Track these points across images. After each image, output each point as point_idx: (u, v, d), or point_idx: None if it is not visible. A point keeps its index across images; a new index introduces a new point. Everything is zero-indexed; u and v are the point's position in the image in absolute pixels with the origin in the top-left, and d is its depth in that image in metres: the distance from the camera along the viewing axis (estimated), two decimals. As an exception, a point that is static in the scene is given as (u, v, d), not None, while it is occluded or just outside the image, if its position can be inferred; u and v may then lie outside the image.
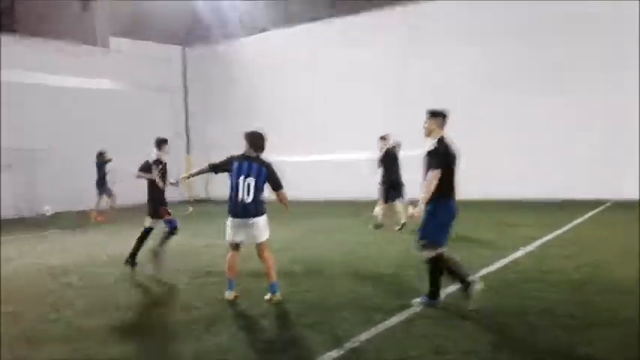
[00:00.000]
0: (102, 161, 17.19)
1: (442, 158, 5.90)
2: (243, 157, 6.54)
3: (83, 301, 6.97)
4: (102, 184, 17.18)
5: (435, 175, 5.82)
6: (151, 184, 9.11)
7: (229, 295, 6.64)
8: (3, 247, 12.11)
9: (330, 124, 21.42)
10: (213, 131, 24.36)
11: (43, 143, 19.89)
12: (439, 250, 6.01)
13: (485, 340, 5.04)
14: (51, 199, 19.80)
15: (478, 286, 5.96)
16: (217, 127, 24.17)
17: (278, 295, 6.54)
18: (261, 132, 6.68)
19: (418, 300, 6.15)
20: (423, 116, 6.14)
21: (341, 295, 6.83)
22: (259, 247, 6.61)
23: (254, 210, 6.42)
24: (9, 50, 19.93)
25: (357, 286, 7.29)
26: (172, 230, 8.85)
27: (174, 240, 9.21)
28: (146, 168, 9.18)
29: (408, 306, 6.08)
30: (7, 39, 20.23)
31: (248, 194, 6.37)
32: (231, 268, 6.69)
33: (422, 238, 6.04)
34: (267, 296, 6.55)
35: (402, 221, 12.02)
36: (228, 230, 6.58)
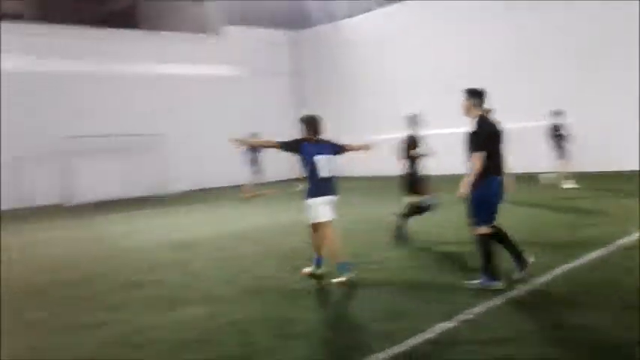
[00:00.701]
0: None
1: (484, 139, 5.87)
2: (312, 140, 6.72)
3: (217, 271, 7.62)
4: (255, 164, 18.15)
5: (478, 157, 5.79)
6: (412, 160, 8.81)
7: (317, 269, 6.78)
8: (144, 220, 13.36)
9: (437, 101, 21.06)
10: (325, 112, 24.75)
11: (165, 128, 21.34)
12: (485, 229, 5.94)
13: (605, 316, 4.96)
14: (179, 179, 21.33)
15: (531, 260, 6.13)
16: (329, 108, 24.62)
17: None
18: (316, 116, 6.86)
19: (475, 282, 5.99)
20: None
21: (452, 269, 6.93)
22: (330, 225, 6.72)
23: (335, 188, 6.70)
24: (133, 45, 21.58)
25: (464, 261, 7.32)
26: (428, 207, 8.83)
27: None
28: (411, 144, 8.75)
29: (521, 281, 6.07)
30: (130, 34, 21.88)
31: (329, 173, 6.63)
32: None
33: (470, 216, 6.04)
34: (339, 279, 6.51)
35: None
36: (319, 210, 6.63)
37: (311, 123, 6.83)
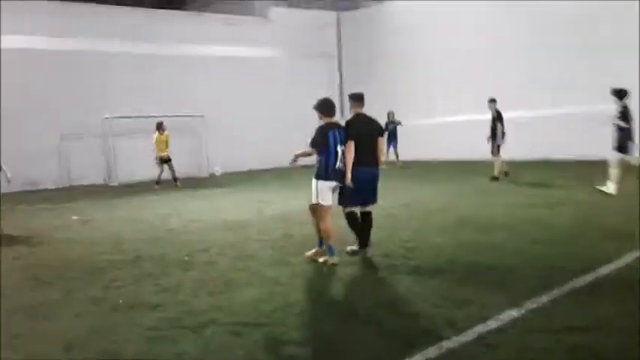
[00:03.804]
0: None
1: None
2: (331, 126, 6.68)
3: (264, 253, 7.55)
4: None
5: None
6: None
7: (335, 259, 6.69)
8: (190, 201, 13.41)
9: (476, 85, 20.56)
10: (366, 94, 24.52)
11: (207, 110, 21.37)
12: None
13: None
14: (220, 161, 21.40)
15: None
16: (370, 89, 24.32)
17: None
18: (328, 98, 6.94)
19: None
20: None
21: (514, 255, 6.71)
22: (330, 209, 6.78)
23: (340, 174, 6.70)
24: (176, 25, 21.60)
25: (528, 247, 7.10)
26: None
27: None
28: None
29: (590, 268, 5.84)
30: (176, 15, 21.89)
31: (338, 160, 6.64)
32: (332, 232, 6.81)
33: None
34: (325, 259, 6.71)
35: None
36: (329, 194, 6.73)
37: (325, 107, 6.82)
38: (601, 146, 11.43)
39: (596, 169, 12.61)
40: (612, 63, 17.33)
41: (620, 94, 10.78)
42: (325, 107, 6.80)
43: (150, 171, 18.22)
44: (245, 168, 22.11)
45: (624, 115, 10.68)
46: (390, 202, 10.96)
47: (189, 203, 13.47)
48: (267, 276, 6.34)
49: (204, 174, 21.10)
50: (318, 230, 6.88)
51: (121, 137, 19.85)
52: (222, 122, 21.94)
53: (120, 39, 20.33)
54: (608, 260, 6.13)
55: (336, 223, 7.06)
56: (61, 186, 19.02)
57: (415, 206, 10.88)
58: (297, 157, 6.96)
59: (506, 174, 14.63)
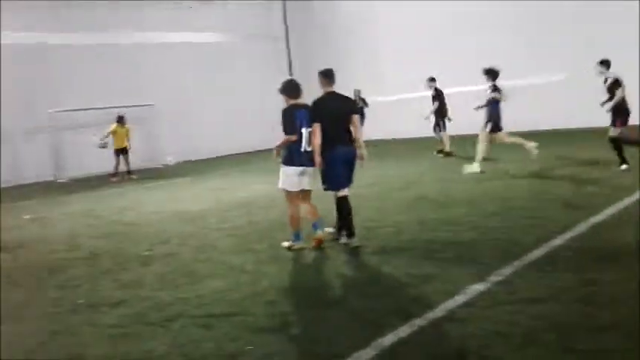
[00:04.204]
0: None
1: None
2: (297, 107, 6.58)
3: (226, 242, 7.45)
4: None
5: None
6: None
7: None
8: (146, 193, 13.13)
9: (431, 60, 20.67)
10: (314, 76, 24.45)
11: (157, 99, 20.88)
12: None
13: (636, 270, 4.88)
14: (172, 150, 21.00)
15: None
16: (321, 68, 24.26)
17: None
18: (292, 79, 6.91)
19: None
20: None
21: (472, 230, 6.82)
22: (308, 194, 6.71)
23: (311, 159, 6.51)
24: (120, 13, 20.93)
25: (484, 221, 7.22)
26: None
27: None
28: None
29: (547, 239, 5.99)
30: (118, 2, 21.18)
31: (308, 144, 6.49)
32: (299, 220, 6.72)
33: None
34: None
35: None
36: (295, 179, 6.54)
37: (288, 88, 6.73)
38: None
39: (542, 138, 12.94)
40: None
41: (494, 74, 11.06)
42: (289, 89, 6.68)
43: (100, 164, 17.75)
44: (200, 156, 21.76)
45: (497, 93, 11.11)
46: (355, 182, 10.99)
47: (146, 195, 13.19)
48: (232, 265, 6.27)
49: (158, 164, 20.68)
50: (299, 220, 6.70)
51: (68, 131, 19.19)
52: (172, 110, 21.44)
53: (63, 30, 19.55)
54: (558, 232, 6.27)
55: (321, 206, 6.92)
56: (8, 185, 18.30)
57: (378, 185, 10.92)
58: (278, 148, 6.71)
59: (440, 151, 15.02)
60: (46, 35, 19.23)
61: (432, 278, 5.17)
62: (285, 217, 7.78)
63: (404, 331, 4.04)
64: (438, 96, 14.95)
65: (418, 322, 4.17)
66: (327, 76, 6.71)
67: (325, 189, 6.65)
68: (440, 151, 14.96)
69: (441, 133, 14.96)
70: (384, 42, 22.63)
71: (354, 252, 6.33)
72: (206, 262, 6.51)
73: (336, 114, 6.52)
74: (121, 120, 16.83)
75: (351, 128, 6.62)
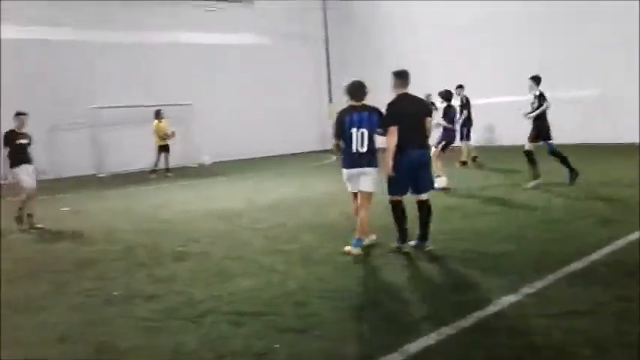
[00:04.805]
0: None
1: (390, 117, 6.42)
2: (350, 110, 6.53)
3: (262, 242, 7.51)
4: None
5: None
6: None
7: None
8: (181, 191, 13.34)
9: (475, 70, 20.51)
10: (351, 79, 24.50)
11: (195, 98, 21.18)
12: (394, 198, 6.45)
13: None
14: (209, 150, 21.27)
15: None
16: (357, 75, 24.24)
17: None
18: (358, 80, 6.69)
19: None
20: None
21: (506, 241, 6.73)
22: (366, 197, 6.58)
23: (367, 160, 6.45)
24: (161, 13, 21.33)
25: (522, 232, 7.13)
26: None
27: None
28: None
29: (585, 253, 5.87)
30: (160, 2, 21.57)
31: (362, 145, 6.40)
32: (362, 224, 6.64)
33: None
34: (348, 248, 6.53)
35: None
36: (348, 181, 6.62)
37: (350, 90, 6.64)
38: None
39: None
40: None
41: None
42: (348, 90, 6.63)
43: (139, 161, 18.10)
44: (235, 157, 22.00)
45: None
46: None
47: (181, 193, 13.40)
48: (262, 264, 6.32)
49: (194, 163, 20.98)
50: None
51: (109, 127, 19.65)
52: (210, 110, 21.77)
53: (106, 29, 20.05)
54: (595, 247, 6.15)
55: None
56: (49, 177, 18.80)
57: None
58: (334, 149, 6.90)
59: (474, 159, 14.85)
60: (88, 32, 19.74)
61: (465, 287, 5.12)
62: (315, 220, 7.84)
63: (433, 338, 4.02)
64: (467, 105, 14.77)
65: (448, 331, 4.13)
66: (401, 76, 6.46)
67: (389, 193, 6.43)
68: (463, 163, 14.75)
69: (465, 142, 14.79)
70: (423, 44, 22.40)
71: (385, 258, 6.31)
72: (237, 261, 6.58)
73: (410, 116, 6.30)
74: (158, 115, 17.05)
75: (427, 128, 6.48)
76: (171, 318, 4.79)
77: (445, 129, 11.73)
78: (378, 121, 6.45)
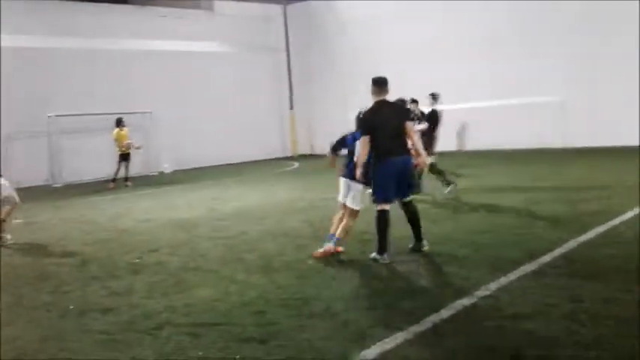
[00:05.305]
0: None
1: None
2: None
3: (221, 251, 7.47)
4: None
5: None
6: None
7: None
8: (140, 200, 13.14)
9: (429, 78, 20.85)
10: (314, 87, 24.67)
11: (155, 107, 20.96)
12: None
13: (622, 289, 4.93)
14: (169, 158, 21.06)
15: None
16: (318, 83, 24.44)
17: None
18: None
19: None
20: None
21: (460, 246, 6.87)
22: (349, 211, 6.72)
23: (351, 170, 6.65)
24: (121, 20, 21.05)
25: (475, 237, 7.28)
26: None
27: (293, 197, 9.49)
28: None
29: (536, 256, 6.04)
30: (119, 9, 21.29)
31: (355, 154, 6.64)
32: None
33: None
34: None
35: None
36: (341, 188, 6.78)
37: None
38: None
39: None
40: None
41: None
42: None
43: (96, 171, 17.78)
44: (197, 164, 21.83)
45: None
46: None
47: (140, 202, 13.21)
48: (221, 274, 6.30)
49: (154, 172, 20.73)
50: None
51: (64, 136, 19.22)
52: (170, 119, 21.54)
53: (63, 35, 19.65)
54: (547, 249, 6.33)
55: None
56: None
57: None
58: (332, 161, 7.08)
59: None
60: (46, 39, 19.32)
61: (421, 292, 5.21)
62: (277, 228, 7.82)
63: (389, 343, 4.08)
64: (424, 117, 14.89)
65: (404, 336, 4.20)
66: (378, 83, 6.37)
67: (373, 201, 6.42)
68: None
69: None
70: (387, 53, 22.63)
71: (344, 265, 6.36)
72: (195, 271, 6.54)
73: (389, 124, 6.26)
74: (119, 123, 16.70)
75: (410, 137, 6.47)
76: (127, 331, 4.73)
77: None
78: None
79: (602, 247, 6.38)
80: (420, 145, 6.71)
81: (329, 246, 6.59)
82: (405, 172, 6.39)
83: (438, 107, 11.11)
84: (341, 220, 6.74)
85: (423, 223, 6.70)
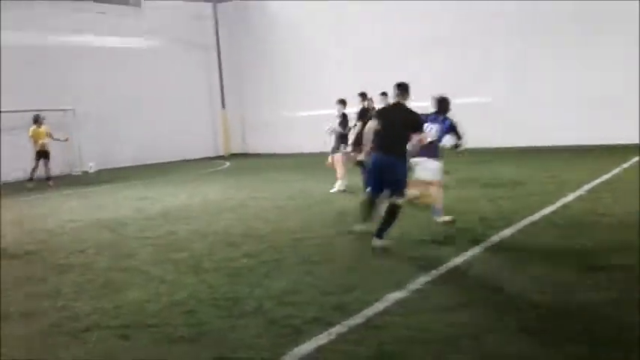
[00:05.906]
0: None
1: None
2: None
3: (150, 252, 7.29)
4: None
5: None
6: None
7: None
8: (65, 200, 12.61)
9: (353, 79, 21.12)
10: (246, 86, 24.49)
11: (78, 104, 20.20)
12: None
13: (540, 278, 5.19)
14: (93, 157, 20.34)
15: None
16: (250, 82, 24.28)
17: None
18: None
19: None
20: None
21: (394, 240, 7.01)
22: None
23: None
24: (42, 14, 20.10)
25: (405, 233, 7.44)
26: None
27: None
28: None
29: (464, 250, 6.26)
30: (40, 3, 20.33)
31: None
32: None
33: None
34: None
35: None
36: None
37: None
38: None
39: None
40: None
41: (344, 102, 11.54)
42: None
43: (15, 171, 16.94)
44: (123, 164, 21.19)
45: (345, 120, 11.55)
46: (276, 196, 11.11)
47: (65, 202, 12.68)
48: (150, 275, 6.15)
49: (77, 171, 19.96)
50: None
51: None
52: (95, 116, 20.81)
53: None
54: (474, 243, 6.62)
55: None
56: None
57: (298, 199, 10.99)
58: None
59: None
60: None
61: (353, 287, 5.27)
62: (207, 227, 7.72)
63: (323, 338, 4.11)
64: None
65: (338, 330, 4.25)
66: (398, 88, 6.95)
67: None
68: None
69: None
70: (314, 57, 22.77)
71: (275, 263, 6.34)
72: (124, 272, 6.35)
73: (390, 123, 6.74)
74: (37, 120, 16.02)
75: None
76: (54, 334, 4.55)
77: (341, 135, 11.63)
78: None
79: (525, 240, 6.67)
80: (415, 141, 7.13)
81: (444, 218, 7.74)
82: (388, 171, 6.65)
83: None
84: (429, 195, 7.88)
85: (353, 221, 6.75)
